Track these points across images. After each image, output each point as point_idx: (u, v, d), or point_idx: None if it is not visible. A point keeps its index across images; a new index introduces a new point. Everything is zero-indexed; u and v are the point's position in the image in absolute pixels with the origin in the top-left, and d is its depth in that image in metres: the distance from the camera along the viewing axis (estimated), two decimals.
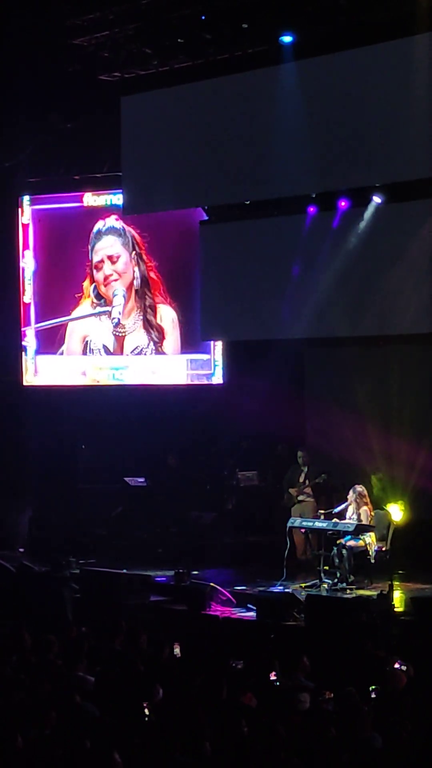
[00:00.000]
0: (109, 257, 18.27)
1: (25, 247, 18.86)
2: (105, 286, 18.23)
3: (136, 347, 18.22)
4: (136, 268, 18.13)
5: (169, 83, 15.77)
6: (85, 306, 18.50)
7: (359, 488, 14.40)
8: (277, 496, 16.46)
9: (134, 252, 18.15)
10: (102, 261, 18.30)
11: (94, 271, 18.36)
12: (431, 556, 14.60)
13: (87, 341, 18.53)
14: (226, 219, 16.49)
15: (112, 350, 18.36)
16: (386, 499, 15.33)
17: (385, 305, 14.88)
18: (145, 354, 18.16)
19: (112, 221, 18.24)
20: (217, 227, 16.63)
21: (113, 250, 18.27)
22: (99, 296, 18.36)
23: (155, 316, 18.06)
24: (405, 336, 15.21)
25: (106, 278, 18.24)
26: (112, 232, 18.29)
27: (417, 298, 14.50)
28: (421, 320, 14.50)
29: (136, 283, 18.10)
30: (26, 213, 18.84)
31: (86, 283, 18.45)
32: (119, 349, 18.32)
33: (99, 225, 18.34)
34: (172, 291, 18.04)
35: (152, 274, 18.07)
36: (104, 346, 18.43)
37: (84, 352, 18.55)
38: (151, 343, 18.10)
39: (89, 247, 18.39)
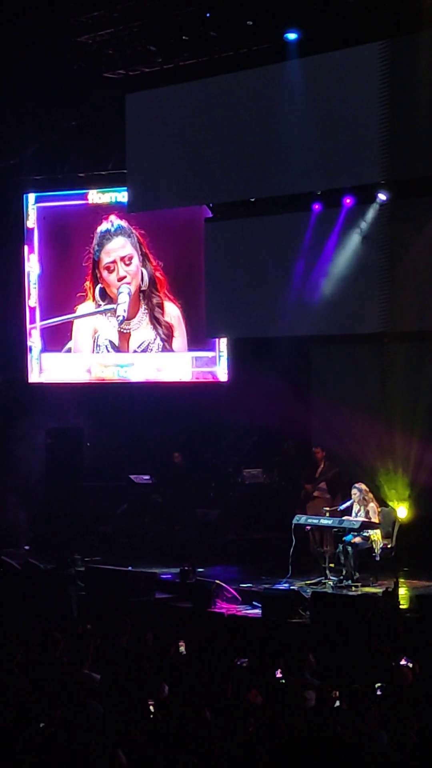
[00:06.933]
0: (122, 258, 18.19)
1: (30, 245, 18.88)
2: (117, 288, 18.14)
3: (143, 342, 18.20)
4: (143, 269, 18.09)
5: (173, 80, 15.79)
6: (88, 305, 18.48)
7: (362, 485, 14.39)
8: (283, 494, 16.44)
9: (140, 252, 18.11)
10: (114, 262, 18.22)
11: (105, 272, 18.28)
12: None
13: (96, 336, 18.51)
14: (231, 216, 16.46)
15: (118, 346, 18.35)
16: (392, 496, 15.31)
17: (390, 302, 14.85)
18: (151, 350, 18.15)
19: (119, 221, 18.19)
20: (222, 224, 16.60)
21: (126, 251, 18.19)
22: (104, 296, 18.33)
23: (163, 314, 18.04)
24: (411, 333, 15.18)
25: (120, 279, 18.15)
26: (121, 232, 18.22)
27: (423, 295, 14.48)
28: (428, 317, 14.49)
29: (144, 283, 18.07)
30: (31, 211, 18.85)
31: (88, 284, 18.42)
32: (125, 346, 18.31)
33: (106, 225, 18.28)
34: (176, 288, 18.03)
35: (158, 274, 18.03)
36: (110, 342, 18.41)
37: (93, 349, 18.55)
38: (158, 339, 18.08)
39: (93, 247, 18.35)
